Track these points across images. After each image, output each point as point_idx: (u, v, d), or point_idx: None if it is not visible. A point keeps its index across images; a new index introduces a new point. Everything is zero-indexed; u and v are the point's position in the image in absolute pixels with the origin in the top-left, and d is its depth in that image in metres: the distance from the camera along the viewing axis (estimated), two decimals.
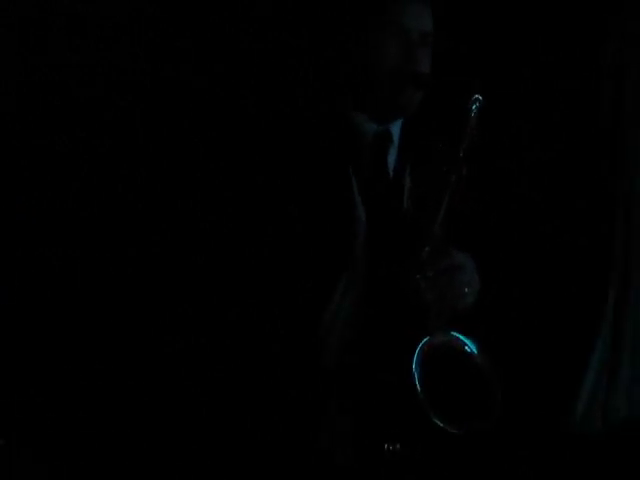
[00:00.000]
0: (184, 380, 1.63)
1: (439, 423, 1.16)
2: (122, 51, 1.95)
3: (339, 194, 1.31)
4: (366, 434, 1.26)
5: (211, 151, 1.54)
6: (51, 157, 1.93)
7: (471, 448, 1.29)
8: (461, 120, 1.25)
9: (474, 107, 1.25)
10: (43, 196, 1.93)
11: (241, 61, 1.92)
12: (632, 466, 2.06)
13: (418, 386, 1.17)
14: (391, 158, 1.39)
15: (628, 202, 2.18)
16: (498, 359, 1.27)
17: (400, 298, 1.25)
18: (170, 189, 1.87)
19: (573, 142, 2.15)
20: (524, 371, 2.11)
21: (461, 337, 1.23)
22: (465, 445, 1.26)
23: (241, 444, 1.31)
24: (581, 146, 2.16)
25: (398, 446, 1.23)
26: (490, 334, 1.32)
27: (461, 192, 1.26)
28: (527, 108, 2.02)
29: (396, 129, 1.39)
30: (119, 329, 1.90)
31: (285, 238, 1.28)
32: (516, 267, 2.05)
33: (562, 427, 2.29)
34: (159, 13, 1.98)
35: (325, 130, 1.35)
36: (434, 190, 1.33)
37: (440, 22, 1.38)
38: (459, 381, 1.22)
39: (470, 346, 1.22)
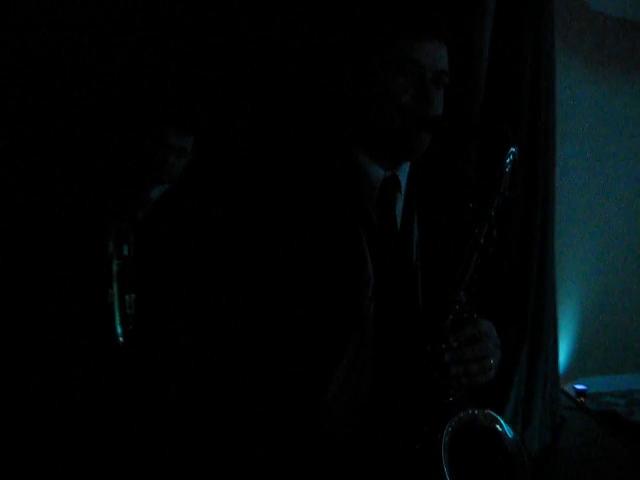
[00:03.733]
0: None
1: None
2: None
3: (348, 250, 1.17)
4: None
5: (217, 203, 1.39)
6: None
7: None
8: (492, 175, 1.12)
9: (508, 161, 1.11)
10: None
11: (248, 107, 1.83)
12: None
13: (445, 466, 1.05)
14: (398, 207, 1.26)
15: None
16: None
17: (417, 368, 1.13)
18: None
19: None
20: None
21: (494, 414, 1.12)
22: None
23: None
24: None
25: None
26: None
27: (488, 254, 1.14)
28: None
29: (403, 175, 1.27)
30: None
31: (293, 299, 1.14)
32: None
33: None
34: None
35: (332, 177, 1.21)
36: (448, 246, 1.22)
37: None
38: (486, 459, 1.12)
39: (503, 425, 1.11)
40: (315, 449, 1.15)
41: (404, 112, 1.17)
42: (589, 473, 2.77)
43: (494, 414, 1.12)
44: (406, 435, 1.11)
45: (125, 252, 2.21)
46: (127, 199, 2.48)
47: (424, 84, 1.17)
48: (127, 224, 2.30)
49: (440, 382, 1.11)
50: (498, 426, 1.12)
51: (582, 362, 4.20)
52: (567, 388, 4.02)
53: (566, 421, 3.32)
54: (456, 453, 1.08)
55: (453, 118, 1.22)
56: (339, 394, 1.16)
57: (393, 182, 1.24)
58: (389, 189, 1.24)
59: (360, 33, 1.22)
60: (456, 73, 1.25)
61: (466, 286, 1.13)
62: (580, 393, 3.99)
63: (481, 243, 1.12)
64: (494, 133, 1.12)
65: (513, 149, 1.10)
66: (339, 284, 1.14)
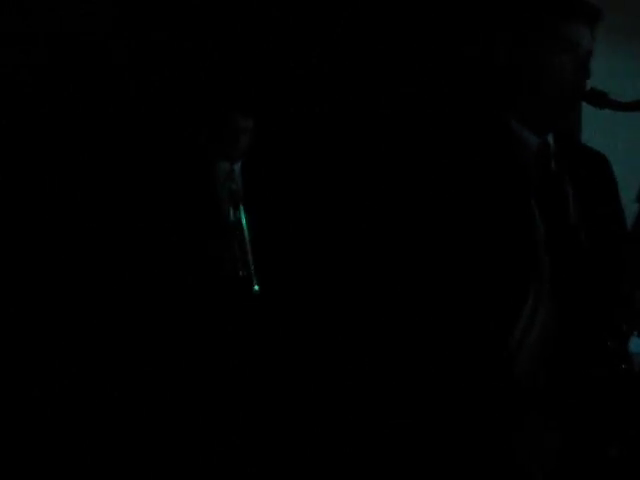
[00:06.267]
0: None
1: None
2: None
3: (520, 208, 1.33)
4: (577, 447, 1.28)
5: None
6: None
7: None
8: None
9: None
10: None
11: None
12: None
13: None
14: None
15: None
16: None
17: (604, 308, 1.29)
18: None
19: None
20: None
21: None
22: None
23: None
24: None
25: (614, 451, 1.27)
26: None
27: None
28: None
29: (550, 139, 1.42)
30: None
31: (473, 253, 1.28)
32: None
33: None
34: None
35: (497, 144, 1.36)
36: (605, 200, 1.42)
37: None
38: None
39: None
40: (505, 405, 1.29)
41: (565, 86, 1.33)
42: None
43: None
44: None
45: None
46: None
47: (581, 62, 1.34)
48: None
49: (622, 320, 1.29)
50: None
51: None
52: None
53: None
54: None
55: None
56: (523, 340, 1.30)
57: (548, 146, 1.40)
58: (546, 152, 1.39)
59: (523, 11, 1.36)
60: None
61: None
62: None
63: None
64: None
65: None
66: (516, 240, 1.30)
